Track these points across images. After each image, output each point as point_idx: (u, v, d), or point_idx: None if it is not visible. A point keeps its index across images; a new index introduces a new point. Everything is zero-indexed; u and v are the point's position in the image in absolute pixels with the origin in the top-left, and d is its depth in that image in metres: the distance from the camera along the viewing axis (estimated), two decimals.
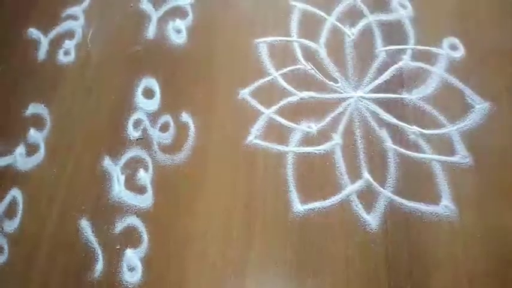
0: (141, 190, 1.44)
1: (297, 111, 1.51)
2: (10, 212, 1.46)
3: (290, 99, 1.53)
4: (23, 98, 1.66)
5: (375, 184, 1.36)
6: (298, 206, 1.36)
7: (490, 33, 1.56)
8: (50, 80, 1.69)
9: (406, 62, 1.55)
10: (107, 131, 1.55)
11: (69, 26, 1.79)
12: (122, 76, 1.65)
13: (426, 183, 1.35)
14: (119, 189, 1.44)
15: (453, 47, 1.55)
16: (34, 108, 1.64)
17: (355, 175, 1.39)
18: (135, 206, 1.41)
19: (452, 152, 1.38)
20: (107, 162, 1.49)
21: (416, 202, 1.32)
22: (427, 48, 1.56)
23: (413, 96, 1.48)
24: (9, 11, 1.88)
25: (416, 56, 1.55)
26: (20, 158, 1.55)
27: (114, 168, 1.48)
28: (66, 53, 1.74)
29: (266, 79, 1.57)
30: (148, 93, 1.60)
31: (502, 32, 1.56)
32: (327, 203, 1.35)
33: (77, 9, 1.82)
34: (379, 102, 1.49)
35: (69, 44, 1.75)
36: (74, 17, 1.81)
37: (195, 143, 1.49)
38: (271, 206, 1.37)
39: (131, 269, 1.32)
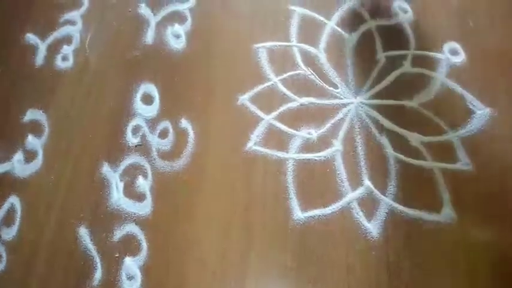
0: (140, 197, 1.43)
1: (297, 117, 1.50)
2: (8, 220, 1.45)
3: (290, 105, 1.52)
4: (21, 104, 1.65)
5: (376, 191, 1.35)
6: (299, 214, 1.35)
7: (491, 38, 1.56)
8: (48, 86, 1.67)
9: (406, 67, 1.54)
10: (105, 138, 1.54)
11: (67, 31, 1.78)
12: (120, 82, 1.64)
13: (427, 190, 1.34)
14: (117, 196, 1.43)
15: (454, 52, 1.54)
16: (32, 114, 1.62)
17: (355, 182, 1.38)
18: (134, 214, 1.40)
19: (453, 158, 1.38)
20: (105, 169, 1.48)
21: (417, 210, 1.31)
22: (428, 53, 1.55)
23: (413, 102, 1.47)
24: (6, 16, 1.87)
25: (417, 61, 1.55)
26: (18, 165, 1.53)
27: (113, 175, 1.47)
28: (64, 58, 1.72)
29: (266, 84, 1.56)
30: (147, 99, 1.59)
31: (504, 37, 1.55)
32: (328, 210, 1.34)
33: (74, 14, 1.81)
34: (380, 108, 1.48)
35: (67, 50, 1.73)
36: (71, 22, 1.79)
37: (194, 149, 1.48)
38: (271, 213, 1.36)
39: (130, 277, 1.31)
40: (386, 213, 1.32)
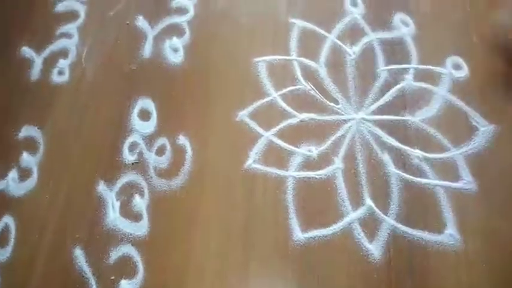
0: (136, 217, 1.40)
1: (297, 134, 1.47)
2: (2, 240, 1.42)
3: (290, 121, 1.49)
4: (16, 120, 1.61)
5: (378, 211, 1.32)
6: (299, 234, 1.32)
7: (494, 52, 1.52)
8: (43, 101, 1.64)
9: (408, 82, 1.51)
10: (101, 155, 1.51)
11: (63, 44, 1.75)
12: (117, 97, 1.61)
13: (430, 210, 1.31)
14: (113, 216, 1.40)
15: (457, 67, 1.52)
16: (27, 131, 1.59)
17: (357, 201, 1.35)
18: (131, 234, 1.37)
19: (456, 177, 1.35)
20: (101, 187, 1.45)
21: (420, 230, 1.29)
22: (430, 67, 1.52)
23: (416, 118, 1.45)
24: (1, 29, 1.83)
25: (419, 75, 1.52)
26: (12, 183, 1.50)
27: (109, 194, 1.43)
28: (60, 72, 1.69)
29: (265, 100, 1.54)
30: (144, 115, 1.56)
31: (507, 51, 1.52)
32: (329, 231, 1.31)
33: (71, 27, 1.78)
34: (381, 125, 1.45)
35: (63, 63, 1.70)
36: (68, 35, 1.76)
37: (192, 167, 1.45)
38: (270, 234, 1.33)
39: None
40: (388, 233, 1.29)
